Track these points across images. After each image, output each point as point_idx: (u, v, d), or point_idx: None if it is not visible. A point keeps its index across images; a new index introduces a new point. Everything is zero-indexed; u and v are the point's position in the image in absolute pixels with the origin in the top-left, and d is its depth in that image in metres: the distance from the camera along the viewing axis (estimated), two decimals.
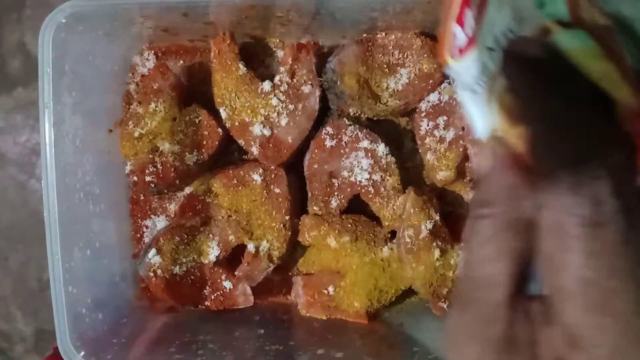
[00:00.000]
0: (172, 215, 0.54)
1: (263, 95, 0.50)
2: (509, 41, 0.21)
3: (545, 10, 0.20)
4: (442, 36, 0.28)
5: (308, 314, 0.52)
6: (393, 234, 0.52)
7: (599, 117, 0.19)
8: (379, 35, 0.50)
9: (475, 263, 0.22)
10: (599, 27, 0.20)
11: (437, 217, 0.50)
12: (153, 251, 0.50)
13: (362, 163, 0.50)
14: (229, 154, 0.54)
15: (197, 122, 0.50)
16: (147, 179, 0.50)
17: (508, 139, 0.23)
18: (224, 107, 0.51)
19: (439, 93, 0.50)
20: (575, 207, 0.19)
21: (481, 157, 0.24)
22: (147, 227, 0.54)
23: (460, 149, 0.50)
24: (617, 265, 0.18)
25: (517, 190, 0.22)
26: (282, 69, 0.51)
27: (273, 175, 0.51)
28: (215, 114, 0.51)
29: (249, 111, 0.50)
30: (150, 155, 0.50)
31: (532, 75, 0.19)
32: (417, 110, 0.52)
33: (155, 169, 0.50)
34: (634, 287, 0.18)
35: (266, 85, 0.50)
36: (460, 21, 0.26)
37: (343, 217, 0.51)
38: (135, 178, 0.50)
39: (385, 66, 0.50)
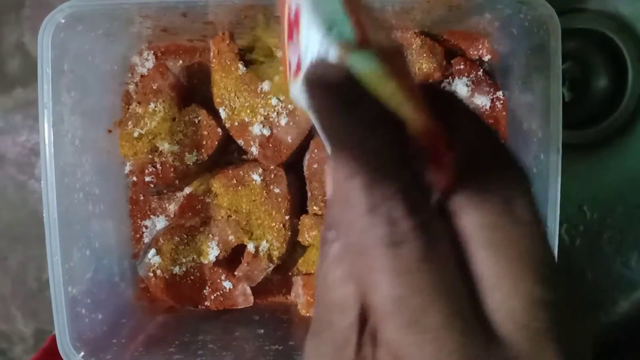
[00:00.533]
0: (172, 216, 0.54)
1: (262, 95, 0.50)
2: (308, 65, 0.21)
3: (334, 32, 0.20)
4: (283, 58, 0.27)
5: (308, 314, 0.52)
6: None
7: (393, 137, 0.19)
8: None
9: (326, 287, 0.22)
10: (385, 48, 0.20)
11: None
12: (152, 251, 0.50)
13: None
14: (228, 154, 0.54)
15: (196, 122, 0.50)
16: (147, 179, 0.50)
17: None
18: (224, 107, 0.51)
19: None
20: (372, 229, 0.19)
21: (327, 178, 0.24)
22: (146, 227, 0.54)
23: None
24: (421, 282, 0.18)
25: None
26: (281, 68, 0.51)
27: (273, 175, 0.51)
28: (214, 114, 0.51)
29: (248, 111, 0.50)
30: (150, 156, 0.50)
31: (331, 99, 0.19)
32: None
33: (154, 169, 0.50)
34: (441, 301, 0.18)
35: (265, 85, 0.50)
36: (290, 39, 0.25)
37: None
38: (134, 178, 0.50)
39: None
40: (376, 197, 0.18)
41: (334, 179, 0.20)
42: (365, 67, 0.19)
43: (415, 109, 0.19)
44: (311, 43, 0.22)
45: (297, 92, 0.25)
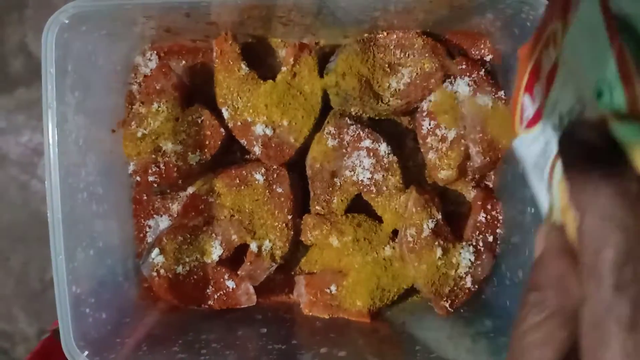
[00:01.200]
0: (175, 215, 0.54)
1: (265, 95, 0.50)
2: (568, 124, 0.22)
3: (603, 100, 0.20)
4: (513, 105, 0.28)
5: (310, 313, 0.52)
6: (395, 233, 0.52)
7: None
8: (380, 35, 0.50)
9: (524, 348, 0.23)
10: None
11: (439, 216, 0.50)
12: (156, 251, 0.50)
13: (364, 162, 0.51)
14: (231, 154, 0.54)
15: (199, 122, 0.50)
16: (150, 179, 0.50)
17: (564, 222, 0.23)
18: (226, 107, 0.51)
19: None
20: (615, 307, 0.19)
21: (536, 242, 0.25)
22: (150, 227, 0.54)
23: (462, 148, 0.50)
24: None
25: (567, 278, 0.22)
26: (283, 68, 0.51)
27: (275, 175, 0.51)
28: (217, 114, 0.51)
29: (251, 111, 0.50)
30: (153, 155, 0.50)
31: (587, 162, 0.19)
32: (418, 109, 0.52)
33: (158, 169, 0.50)
34: None
35: (268, 85, 0.50)
36: (529, 90, 0.26)
37: (345, 216, 0.52)
38: (138, 178, 0.50)
39: (386, 66, 0.50)
40: (627, 274, 0.18)
41: (584, 245, 0.20)
42: (633, 138, 0.19)
43: None
44: (566, 100, 0.22)
45: (524, 142, 0.26)
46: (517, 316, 0.24)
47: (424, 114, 0.51)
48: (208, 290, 0.51)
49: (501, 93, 0.50)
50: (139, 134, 0.50)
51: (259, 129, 0.50)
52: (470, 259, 0.50)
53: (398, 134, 0.55)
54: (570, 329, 0.22)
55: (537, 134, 0.25)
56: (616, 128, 0.19)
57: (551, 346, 0.22)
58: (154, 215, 0.54)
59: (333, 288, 0.52)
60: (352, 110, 0.51)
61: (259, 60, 0.54)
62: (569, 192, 0.21)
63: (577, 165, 0.20)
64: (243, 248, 0.52)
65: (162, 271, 0.50)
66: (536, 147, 0.26)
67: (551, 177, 0.25)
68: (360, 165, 0.51)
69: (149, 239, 0.54)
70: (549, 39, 0.24)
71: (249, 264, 0.51)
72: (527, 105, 0.26)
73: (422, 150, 0.52)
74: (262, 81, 0.51)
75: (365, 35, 0.50)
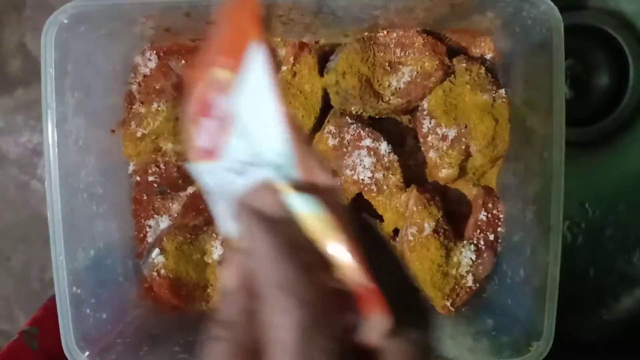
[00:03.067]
0: (175, 215, 0.54)
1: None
2: (248, 191, 0.22)
3: (282, 170, 0.21)
4: (185, 133, 0.28)
5: None
6: (396, 232, 0.52)
7: (330, 286, 0.20)
8: (380, 34, 0.50)
9: None
10: (326, 190, 0.21)
11: (440, 215, 0.50)
12: (156, 251, 0.50)
13: (364, 161, 0.50)
14: None
15: None
16: (150, 179, 0.50)
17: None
18: None
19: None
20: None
21: (226, 272, 0.24)
22: (150, 227, 0.54)
23: (463, 147, 0.50)
24: None
25: (250, 312, 0.22)
26: (284, 67, 0.51)
27: None
28: None
29: None
30: (153, 156, 0.50)
31: (267, 233, 0.20)
32: (419, 108, 0.52)
33: (158, 169, 0.50)
34: None
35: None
36: (196, 121, 0.26)
37: None
38: (138, 178, 0.50)
39: (387, 64, 0.50)
40: (311, 349, 0.19)
41: (265, 315, 0.21)
42: (307, 209, 0.21)
43: (352, 258, 0.20)
44: (243, 151, 0.23)
45: (201, 169, 0.26)
46: (202, 353, 0.23)
47: (425, 112, 0.51)
48: (209, 290, 0.51)
49: (502, 91, 0.50)
50: (139, 134, 0.50)
51: None
52: (471, 258, 0.50)
53: (399, 132, 0.55)
54: None
55: (216, 168, 0.26)
56: (293, 200, 0.21)
57: None
58: (154, 215, 0.54)
59: None
60: (352, 109, 0.51)
61: None
62: (249, 256, 0.21)
63: (256, 236, 0.21)
64: None
65: (162, 271, 0.50)
66: (218, 178, 0.26)
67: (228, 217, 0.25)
68: (360, 164, 0.51)
69: (149, 239, 0.54)
70: (219, 84, 0.24)
71: None
72: (195, 134, 0.26)
73: (422, 149, 0.52)
74: None
75: (366, 34, 0.50)
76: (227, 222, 0.26)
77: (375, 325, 0.21)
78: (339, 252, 0.21)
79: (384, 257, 0.24)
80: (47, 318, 0.44)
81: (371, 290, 0.20)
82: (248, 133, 0.23)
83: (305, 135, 0.21)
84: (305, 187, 0.21)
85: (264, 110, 0.22)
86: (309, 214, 0.21)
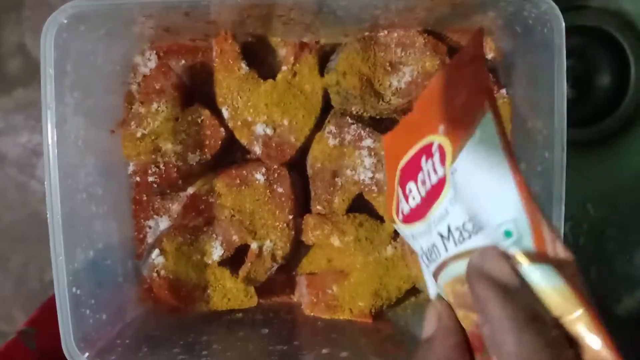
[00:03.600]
0: (175, 216, 0.54)
1: (265, 95, 0.50)
2: (478, 253, 0.22)
3: (513, 239, 0.20)
4: (388, 192, 0.28)
5: (312, 314, 0.52)
6: (397, 232, 0.52)
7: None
8: (381, 34, 0.50)
9: None
10: (562, 262, 0.20)
11: None
12: (156, 252, 0.50)
13: (365, 162, 0.50)
14: (231, 154, 0.54)
15: (199, 122, 0.50)
16: (150, 179, 0.50)
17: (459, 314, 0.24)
18: (226, 107, 0.50)
19: None
20: None
21: (427, 317, 0.25)
22: (150, 227, 0.54)
23: None
24: None
25: None
26: (284, 67, 0.50)
27: (276, 175, 0.51)
28: (217, 114, 0.51)
29: (251, 110, 0.50)
30: (153, 156, 0.49)
31: (505, 303, 0.20)
32: None
33: (157, 170, 0.49)
34: None
35: (268, 85, 0.50)
36: (402, 186, 0.26)
37: (346, 216, 0.51)
38: (137, 178, 0.50)
39: (387, 64, 0.50)
40: None
41: (442, 322, 0.22)
42: (546, 282, 0.20)
43: (599, 336, 0.19)
44: (456, 216, 0.22)
45: (404, 231, 0.27)
46: None
47: None
48: (209, 291, 0.51)
49: (503, 91, 0.49)
50: (139, 134, 0.49)
51: (259, 129, 0.50)
52: None
53: None
54: None
55: (417, 232, 0.26)
56: (528, 271, 0.20)
57: None
58: (154, 216, 0.54)
59: (335, 288, 0.51)
60: (353, 109, 0.51)
61: (259, 59, 0.53)
62: (483, 323, 0.21)
63: (491, 305, 0.20)
64: (244, 248, 0.52)
65: (162, 272, 0.50)
66: (418, 243, 0.26)
67: (437, 275, 0.25)
68: (361, 165, 0.50)
69: (149, 240, 0.54)
70: (431, 149, 0.24)
71: (249, 264, 0.51)
72: (401, 198, 0.26)
73: None
74: (262, 80, 0.50)
75: (366, 33, 0.50)
76: (430, 283, 0.26)
77: None
78: (585, 328, 0.20)
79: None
80: (45, 318, 0.44)
81: None
82: (468, 198, 0.22)
83: (538, 204, 0.20)
84: (542, 258, 0.20)
85: (495, 178, 0.21)
86: (549, 286, 0.20)
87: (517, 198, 0.21)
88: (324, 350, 0.46)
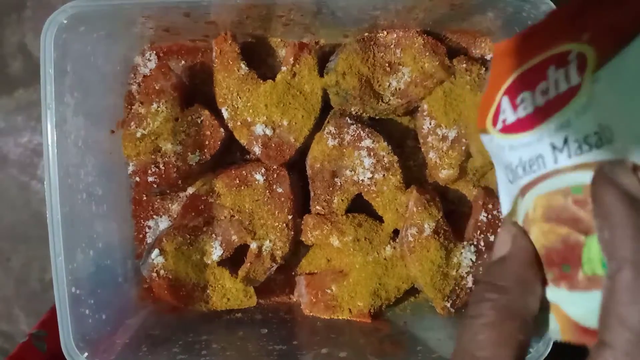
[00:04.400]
0: (175, 216, 0.54)
1: (265, 95, 0.50)
2: (605, 164, 0.22)
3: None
4: (484, 101, 0.28)
5: (311, 314, 0.52)
6: (396, 232, 0.52)
7: None
8: (380, 34, 0.50)
9: (477, 343, 0.24)
10: None
11: (440, 216, 0.50)
12: (156, 252, 0.50)
13: (364, 162, 0.50)
14: (231, 154, 0.54)
15: (199, 122, 0.50)
16: (150, 179, 0.50)
17: (527, 230, 0.25)
18: (226, 107, 0.51)
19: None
20: None
21: (500, 238, 0.26)
22: (149, 227, 0.54)
23: (463, 148, 0.50)
24: None
25: (529, 284, 0.24)
26: (283, 68, 0.51)
27: (275, 175, 0.51)
28: (217, 114, 0.51)
29: (250, 111, 0.50)
30: (153, 156, 0.50)
31: (631, 210, 0.21)
32: (419, 108, 0.52)
33: (157, 170, 0.50)
34: None
35: (268, 85, 0.50)
36: (511, 94, 0.26)
37: (346, 216, 0.51)
38: (137, 179, 0.50)
39: (387, 65, 0.50)
40: None
41: (518, 243, 0.24)
42: None
43: None
44: (582, 127, 0.23)
45: (499, 143, 0.26)
46: (471, 311, 0.24)
47: (425, 113, 0.51)
48: (208, 291, 0.51)
49: None
50: (138, 135, 0.50)
51: (258, 129, 0.50)
52: (471, 259, 0.50)
53: (398, 133, 0.54)
54: (527, 334, 0.23)
55: (520, 143, 0.26)
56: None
57: (507, 348, 0.23)
58: (154, 216, 0.54)
59: (334, 288, 0.51)
60: (352, 109, 0.51)
61: (259, 60, 0.53)
62: (600, 228, 0.22)
63: (615, 212, 0.21)
64: (243, 248, 0.52)
65: (162, 272, 0.50)
66: (516, 153, 0.26)
67: (529, 187, 0.25)
68: (360, 165, 0.51)
69: (149, 240, 0.54)
70: (566, 57, 0.24)
71: (249, 264, 0.51)
72: (506, 107, 0.26)
73: (422, 149, 0.52)
74: (261, 81, 0.50)
75: (366, 34, 0.50)
76: (505, 200, 0.27)
77: None
78: None
79: None
80: (55, 321, 0.45)
81: None
82: (606, 109, 0.22)
83: None
84: None
85: (629, 101, 0.21)
86: None
87: None
88: (323, 350, 0.46)
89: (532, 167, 0.25)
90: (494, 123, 0.27)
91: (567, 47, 0.24)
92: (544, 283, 0.24)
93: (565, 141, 0.24)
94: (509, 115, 0.26)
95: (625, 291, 0.20)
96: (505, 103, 0.26)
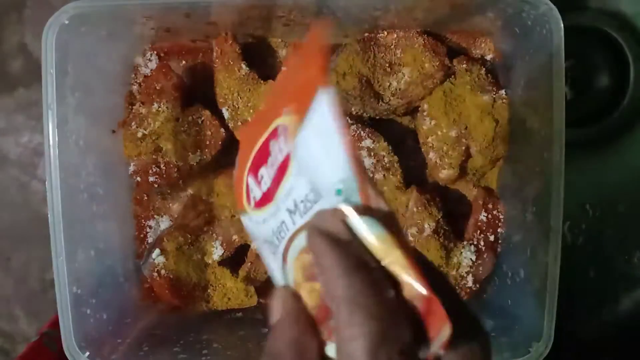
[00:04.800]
0: (176, 216, 0.54)
1: (265, 95, 0.50)
2: (315, 215, 0.24)
3: (343, 197, 0.23)
4: (238, 183, 0.30)
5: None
6: None
7: (393, 300, 0.22)
8: (380, 34, 0.50)
9: None
10: (384, 215, 0.23)
11: (440, 216, 0.50)
12: (157, 251, 0.50)
13: (364, 162, 0.50)
14: (231, 154, 0.54)
15: (199, 122, 0.50)
16: (151, 179, 0.50)
17: (303, 293, 0.25)
18: (227, 107, 0.51)
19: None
20: None
21: (272, 306, 0.26)
22: (150, 227, 0.54)
23: (463, 148, 0.50)
24: None
25: (305, 346, 0.24)
26: (284, 68, 0.51)
27: None
28: (218, 114, 0.51)
29: (251, 111, 0.50)
30: (154, 156, 0.50)
31: (336, 252, 0.22)
32: (419, 109, 0.52)
33: (158, 170, 0.50)
34: None
35: (268, 85, 0.50)
36: (254, 172, 0.28)
37: None
38: (138, 178, 0.50)
39: (387, 65, 0.50)
40: (382, 355, 0.20)
41: (286, 307, 0.24)
42: (372, 231, 0.23)
43: (413, 273, 0.22)
44: (300, 189, 0.25)
45: (255, 220, 0.28)
46: None
47: (425, 113, 0.51)
48: (209, 291, 0.51)
49: (502, 92, 0.50)
50: (139, 135, 0.50)
51: None
52: (471, 259, 0.50)
53: (398, 133, 0.55)
54: None
55: (268, 214, 0.27)
56: (356, 223, 0.23)
57: None
58: (155, 216, 0.54)
59: None
60: (352, 109, 0.51)
61: (259, 60, 0.54)
62: (319, 275, 0.23)
63: (327, 255, 0.22)
64: (244, 248, 0.52)
65: (163, 271, 0.50)
66: (268, 226, 0.28)
67: (286, 253, 0.27)
68: None
69: (150, 240, 0.54)
70: (277, 131, 0.27)
71: (249, 264, 0.51)
72: (252, 186, 0.29)
73: (422, 149, 0.52)
74: (262, 81, 0.50)
75: (366, 34, 0.50)
76: (276, 272, 0.28)
77: (438, 337, 0.22)
78: (401, 268, 0.22)
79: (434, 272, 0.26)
80: None
81: (433, 302, 0.22)
82: (309, 169, 0.24)
83: (364, 166, 0.23)
84: (367, 211, 0.23)
85: (329, 145, 0.23)
86: (373, 234, 0.23)
87: (346, 159, 0.23)
88: None
89: (281, 233, 0.27)
90: (248, 202, 0.29)
91: (276, 123, 0.27)
92: (322, 343, 0.24)
93: (295, 204, 0.25)
94: (256, 192, 0.28)
95: (345, 328, 0.21)
96: (251, 182, 0.29)
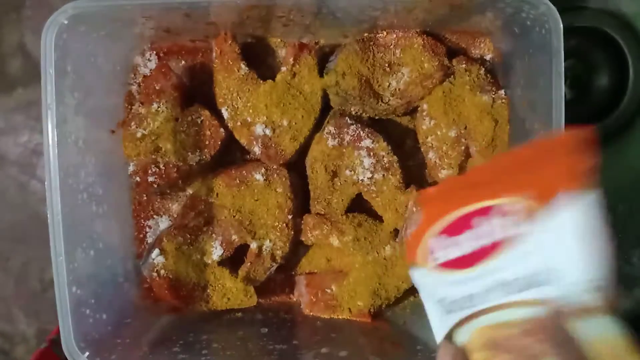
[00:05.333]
0: (175, 216, 0.54)
1: (265, 95, 0.50)
2: (553, 310, 0.25)
3: (596, 292, 0.24)
4: (414, 238, 0.31)
5: (311, 313, 0.52)
6: (396, 232, 0.52)
7: None
8: (380, 35, 0.50)
9: None
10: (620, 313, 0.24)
11: None
12: (156, 251, 0.50)
13: (364, 162, 0.50)
14: (231, 154, 0.54)
15: (199, 122, 0.50)
16: (150, 179, 0.50)
17: (470, 355, 0.27)
18: (226, 107, 0.51)
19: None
20: None
21: (441, 357, 0.28)
22: (150, 227, 0.54)
23: (462, 148, 0.50)
24: None
25: None
26: (283, 68, 0.51)
27: (275, 175, 0.51)
28: (217, 114, 0.51)
29: (250, 111, 0.50)
30: (153, 156, 0.50)
31: (559, 354, 0.23)
32: (418, 109, 0.52)
33: (157, 170, 0.50)
34: None
35: (268, 85, 0.50)
36: (452, 234, 0.29)
37: (345, 216, 0.52)
38: (138, 178, 0.50)
39: (386, 65, 0.50)
40: None
41: None
42: (604, 331, 0.23)
43: None
44: (514, 272, 0.26)
45: (437, 280, 0.29)
46: None
47: (424, 113, 0.51)
48: (208, 291, 0.51)
49: (501, 92, 0.50)
50: (139, 135, 0.50)
51: (258, 129, 0.50)
52: None
53: (398, 133, 0.55)
54: None
55: (455, 279, 0.28)
56: (584, 322, 0.23)
57: None
58: (154, 216, 0.54)
59: (334, 288, 0.52)
60: (352, 109, 0.51)
61: (259, 60, 0.54)
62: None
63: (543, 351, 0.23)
64: (243, 248, 0.52)
65: (162, 272, 0.50)
66: (454, 290, 0.29)
67: (472, 318, 0.28)
68: (360, 165, 0.51)
69: (149, 240, 0.54)
70: (489, 210, 0.28)
71: (249, 264, 0.51)
72: (438, 246, 0.29)
73: (422, 149, 0.52)
74: (261, 81, 0.50)
75: (365, 34, 0.50)
76: (439, 327, 0.30)
77: None
78: None
79: None
80: None
81: None
82: (553, 255, 0.25)
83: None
84: (610, 310, 0.24)
85: (587, 243, 0.25)
86: (607, 336, 0.24)
87: (604, 263, 0.24)
88: (323, 350, 0.46)
89: (465, 303, 0.28)
90: (425, 259, 0.30)
91: (508, 200, 0.28)
92: None
93: (503, 281, 0.26)
94: (449, 253, 0.29)
95: None
96: (439, 242, 0.29)
